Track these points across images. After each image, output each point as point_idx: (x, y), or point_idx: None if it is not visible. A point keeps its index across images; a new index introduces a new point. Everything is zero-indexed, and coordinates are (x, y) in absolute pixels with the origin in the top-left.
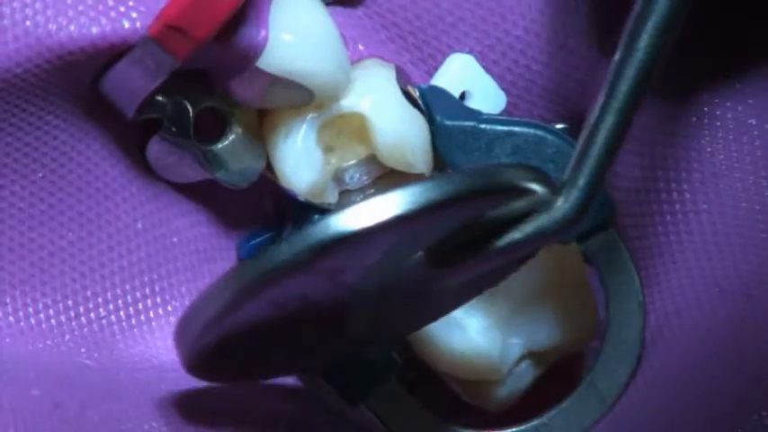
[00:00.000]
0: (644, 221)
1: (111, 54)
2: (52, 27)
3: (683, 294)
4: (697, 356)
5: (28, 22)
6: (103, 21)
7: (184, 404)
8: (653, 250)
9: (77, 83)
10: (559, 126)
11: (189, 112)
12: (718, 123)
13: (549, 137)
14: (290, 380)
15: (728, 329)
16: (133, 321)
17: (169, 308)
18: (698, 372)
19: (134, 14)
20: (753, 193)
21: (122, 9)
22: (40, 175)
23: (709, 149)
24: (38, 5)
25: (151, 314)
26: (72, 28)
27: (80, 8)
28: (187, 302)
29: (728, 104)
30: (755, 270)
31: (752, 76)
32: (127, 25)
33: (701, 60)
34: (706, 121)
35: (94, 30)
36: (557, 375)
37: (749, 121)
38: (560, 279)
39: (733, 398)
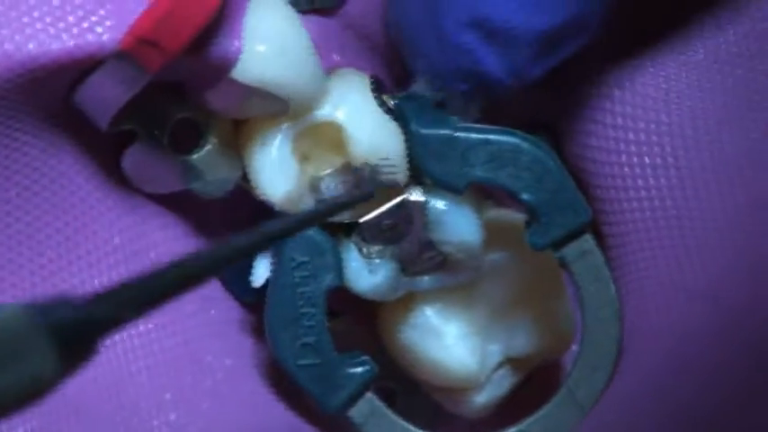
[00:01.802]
0: (620, 230)
1: (80, 69)
2: (9, 47)
3: (653, 300)
4: (667, 359)
5: None
6: (65, 36)
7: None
8: (628, 258)
9: (45, 98)
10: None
11: (164, 123)
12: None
13: (525, 145)
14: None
15: (698, 335)
16: (116, 339)
17: (150, 325)
18: (671, 376)
19: (99, 29)
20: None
21: (85, 25)
22: (14, 193)
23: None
24: None
25: (133, 332)
26: (31, 46)
27: (38, 26)
28: (170, 319)
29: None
30: (723, 274)
31: None
32: (93, 40)
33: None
34: (677, 128)
35: (55, 46)
36: (535, 382)
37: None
38: (537, 286)
39: (711, 403)
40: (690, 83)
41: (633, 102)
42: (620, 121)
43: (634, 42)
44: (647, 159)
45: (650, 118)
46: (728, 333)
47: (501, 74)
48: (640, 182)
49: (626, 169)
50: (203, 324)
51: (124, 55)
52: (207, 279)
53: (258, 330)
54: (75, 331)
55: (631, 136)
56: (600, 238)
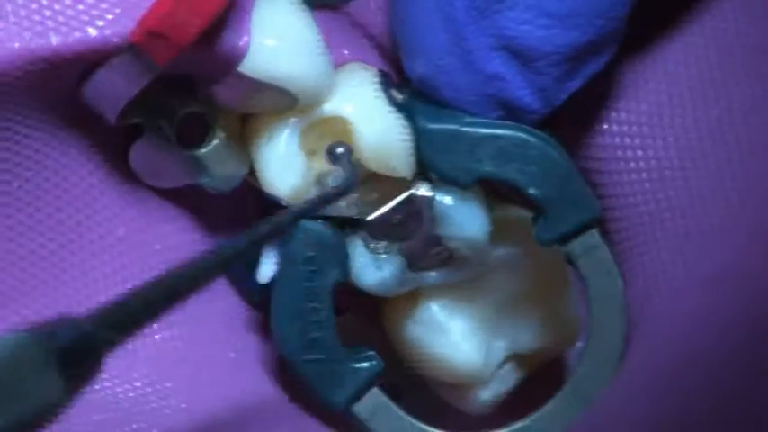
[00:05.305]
0: (625, 225)
1: (84, 63)
2: (8, 41)
3: (657, 290)
4: (674, 351)
5: None
6: (64, 30)
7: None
8: (633, 251)
9: (49, 92)
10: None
11: (172, 118)
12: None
13: (532, 139)
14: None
15: (704, 323)
16: None
17: None
18: (677, 369)
19: (100, 23)
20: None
21: (86, 18)
22: (16, 185)
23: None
24: None
25: None
26: (30, 39)
27: (36, 19)
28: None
29: None
30: (726, 259)
31: None
32: (94, 33)
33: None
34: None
35: (55, 40)
36: (541, 378)
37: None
38: (543, 281)
39: (720, 390)
40: (691, 76)
41: (637, 97)
42: (623, 116)
43: (636, 40)
44: (651, 153)
45: (653, 112)
46: (733, 319)
47: (530, 98)
48: (644, 175)
49: (631, 164)
50: (207, 317)
51: (133, 48)
52: (202, 287)
53: (263, 326)
54: (79, 352)
55: (635, 131)
56: (605, 233)
